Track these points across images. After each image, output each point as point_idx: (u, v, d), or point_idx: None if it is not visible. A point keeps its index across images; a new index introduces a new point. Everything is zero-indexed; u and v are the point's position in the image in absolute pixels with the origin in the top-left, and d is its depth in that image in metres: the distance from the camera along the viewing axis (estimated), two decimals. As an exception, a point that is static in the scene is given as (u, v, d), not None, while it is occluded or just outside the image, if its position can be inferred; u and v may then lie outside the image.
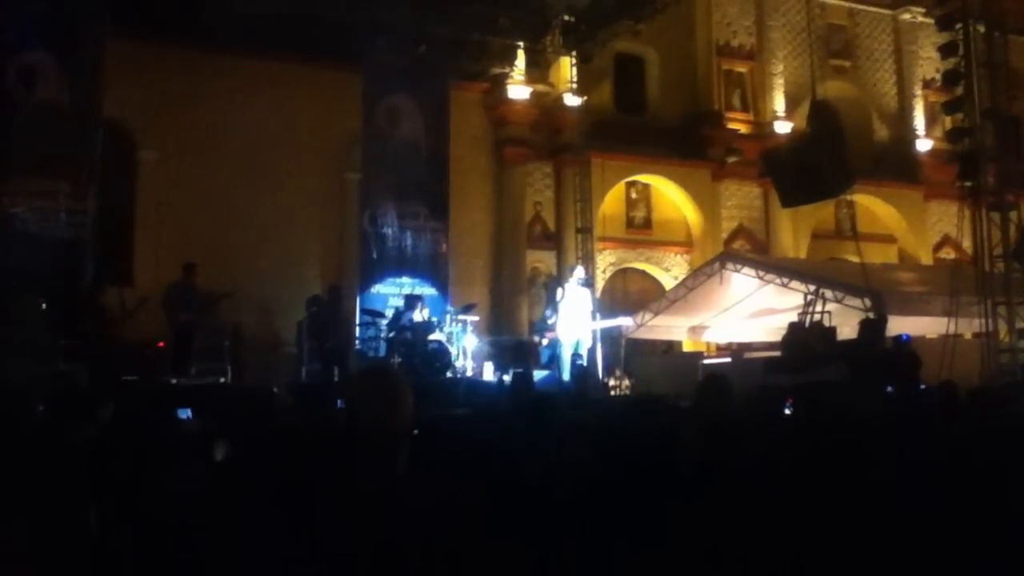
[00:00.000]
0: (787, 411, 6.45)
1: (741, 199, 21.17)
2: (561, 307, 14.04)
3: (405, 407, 2.45)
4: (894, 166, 22.70)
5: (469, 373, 14.02)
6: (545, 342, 14.50)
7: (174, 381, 11.91)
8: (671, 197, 20.97)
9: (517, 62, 18.57)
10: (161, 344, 12.64)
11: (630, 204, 20.63)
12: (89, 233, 13.11)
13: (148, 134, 15.90)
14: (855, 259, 16.14)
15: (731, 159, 20.69)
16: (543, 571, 2.60)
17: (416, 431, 2.89)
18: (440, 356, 13.43)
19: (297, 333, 14.76)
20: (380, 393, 2.47)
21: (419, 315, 13.65)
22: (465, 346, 14.21)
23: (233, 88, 15.91)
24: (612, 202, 20.13)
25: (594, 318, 13.91)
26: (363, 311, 14.67)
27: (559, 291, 14.63)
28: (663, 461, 3.05)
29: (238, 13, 14.52)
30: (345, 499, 2.35)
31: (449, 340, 13.84)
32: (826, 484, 3.27)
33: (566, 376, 13.56)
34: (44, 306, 11.30)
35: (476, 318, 14.99)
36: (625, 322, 14.46)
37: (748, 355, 16.30)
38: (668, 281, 20.12)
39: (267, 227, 16.02)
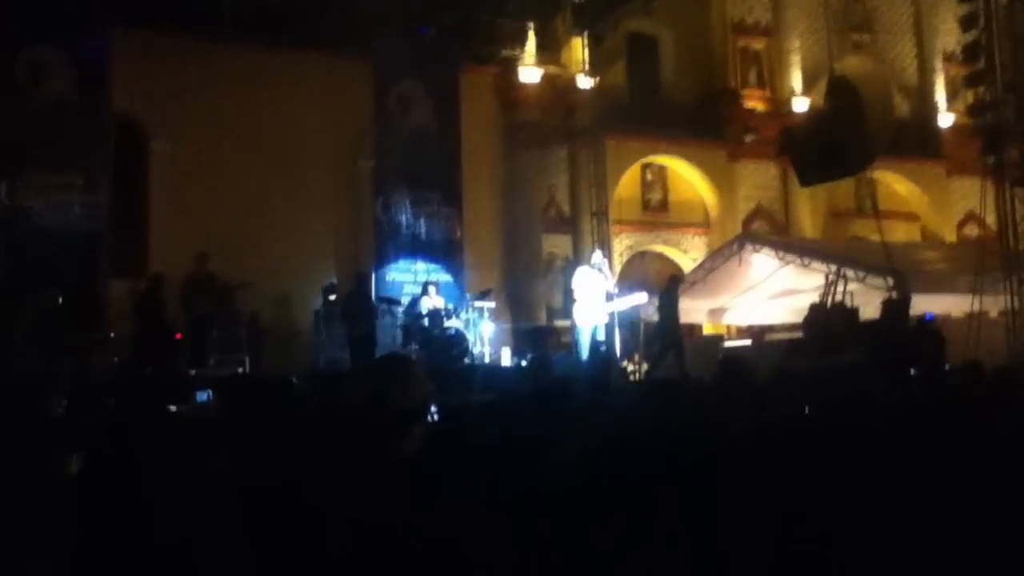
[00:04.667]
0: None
1: (759, 179, 20.91)
2: (577, 292, 13.89)
3: (413, 388, 2.53)
4: (915, 142, 22.36)
5: (487, 359, 13.95)
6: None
7: (192, 372, 11.93)
8: (687, 178, 20.76)
9: (528, 44, 18.36)
10: (179, 336, 12.65)
11: (646, 186, 20.44)
12: (103, 226, 13.11)
13: (160, 125, 15.84)
14: (877, 238, 15.91)
15: (748, 138, 20.44)
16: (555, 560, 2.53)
17: (432, 412, 2.83)
18: (457, 343, 13.36)
19: (315, 321, 14.73)
20: (388, 376, 2.57)
21: (430, 301, 13.57)
22: (482, 332, 14.13)
23: (244, 77, 15.82)
24: (628, 184, 19.94)
25: (609, 300, 13.79)
26: (379, 299, 14.59)
27: (574, 276, 14.48)
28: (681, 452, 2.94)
29: (248, 2, 14.43)
30: (355, 485, 2.36)
31: (466, 326, 13.77)
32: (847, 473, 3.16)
33: (584, 357, 13.44)
34: (60, 300, 11.29)
35: (492, 304, 14.89)
36: (640, 299, 14.38)
37: (769, 337, 16.14)
38: (686, 263, 19.94)
39: (281, 216, 15.97)
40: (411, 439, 2.49)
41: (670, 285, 14.45)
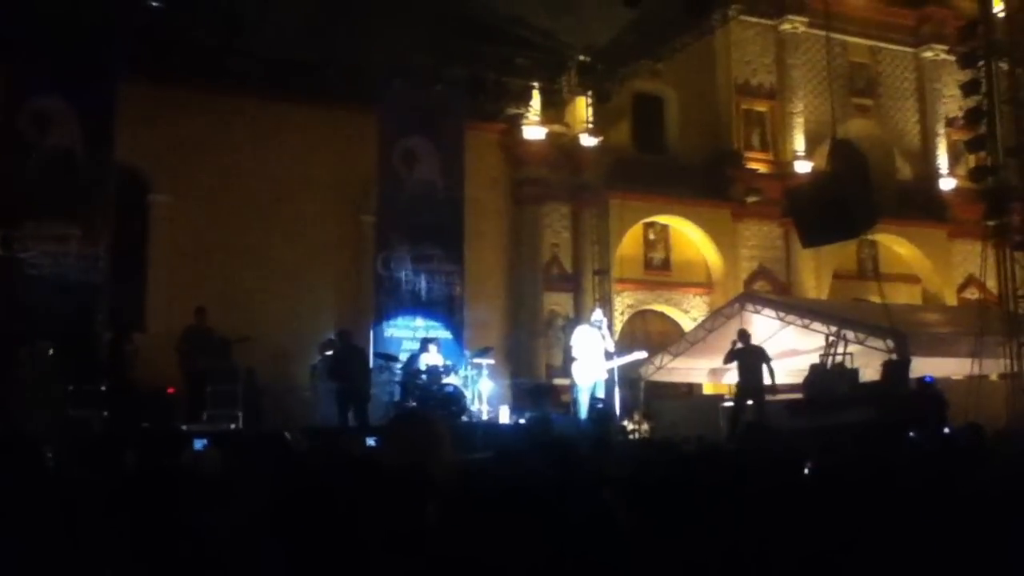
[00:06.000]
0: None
1: (761, 239, 20.91)
2: (576, 350, 13.84)
3: (443, 454, 2.48)
4: (918, 205, 22.41)
5: (485, 417, 13.83)
6: None
7: (185, 428, 11.81)
8: (690, 237, 20.77)
9: (533, 102, 18.51)
10: (171, 390, 12.55)
11: (648, 245, 20.44)
12: (101, 277, 13.10)
13: (161, 178, 15.95)
14: (878, 300, 15.85)
15: (751, 199, 20.49)
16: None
17: (456, 478, 2.80)
18: (456, 400, 13.24)
19: (311, 377, 14.64)
20: (420, 438, 2.56)
21: (429, 358, 13.48)
22: (481, 389, 14.03)
23: (247, 131, 15.97)
24: (630, 243, 19.95)
25: (609, 358, 13.74)
26: (377, 355, 14.51)
27: (573, 334, 14.43)
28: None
29: (252, 56, 14.60)
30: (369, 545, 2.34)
31: (465, 384, 13.68)
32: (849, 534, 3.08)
33: (583, 415, 13.35)
34: (51, 352, 11.21)
35: (492, 361, 14.81)
36: (640, 356, 14.38)
37: (770, 398, 15.98)
38: (687, 323, 19.87)
39: (281, 270, 15.96)
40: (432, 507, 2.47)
41: (744, 340, 14.05)
